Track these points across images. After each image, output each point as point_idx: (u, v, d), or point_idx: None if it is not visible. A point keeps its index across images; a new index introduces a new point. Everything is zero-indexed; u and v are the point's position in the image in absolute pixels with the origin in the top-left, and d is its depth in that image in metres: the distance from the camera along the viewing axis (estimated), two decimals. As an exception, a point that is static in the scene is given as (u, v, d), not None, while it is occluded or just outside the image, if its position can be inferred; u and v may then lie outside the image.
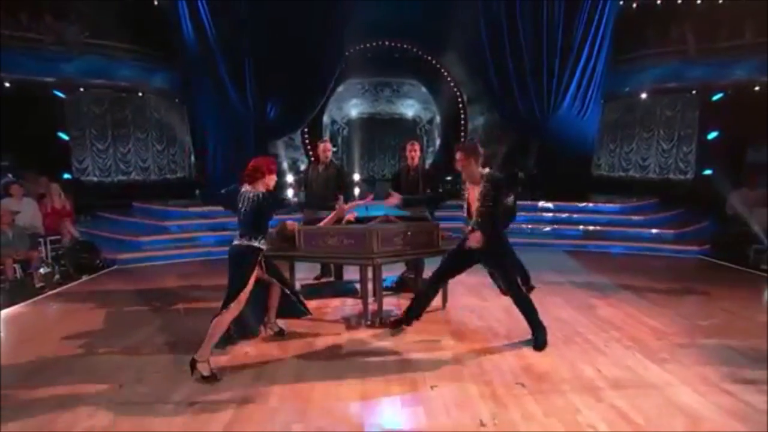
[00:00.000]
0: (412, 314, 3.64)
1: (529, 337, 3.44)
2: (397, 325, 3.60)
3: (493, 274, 3.60)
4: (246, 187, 3.13)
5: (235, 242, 3.10)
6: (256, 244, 3.06)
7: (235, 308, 2.97)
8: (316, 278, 5.19)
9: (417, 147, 4.73)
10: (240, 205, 3.09)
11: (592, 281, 5.36)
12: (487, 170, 3.35)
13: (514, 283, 3.39)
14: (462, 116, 11.60)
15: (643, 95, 9.85)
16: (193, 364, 2.89)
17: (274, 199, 3.20)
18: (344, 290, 4.78)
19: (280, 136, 10.41)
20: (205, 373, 2.87)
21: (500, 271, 3.38)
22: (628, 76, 9.60)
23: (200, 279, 5.55)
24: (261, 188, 3.11)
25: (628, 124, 10.37)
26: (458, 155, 3.33)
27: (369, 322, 3.84)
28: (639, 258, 6.66)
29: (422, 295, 3.61)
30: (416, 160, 4.68)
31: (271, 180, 3.17)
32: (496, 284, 3.67)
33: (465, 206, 3.44)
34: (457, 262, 3.54)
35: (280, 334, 3.63)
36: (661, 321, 3.89)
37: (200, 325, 3.78)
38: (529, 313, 3.40)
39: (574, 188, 8.53)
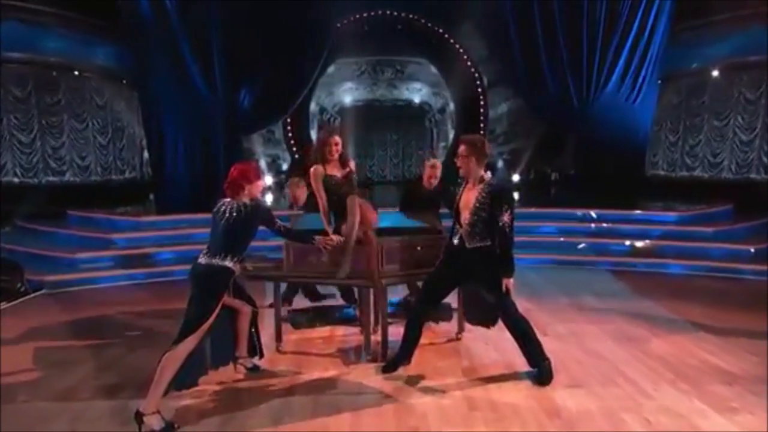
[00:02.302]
0: (408, 351, 3.77)
1: (559, 376, 3.54)
2: (393, 366, 3.73)
3: (469, 300, 3.80)
4: (227, 200, 3.27)
5: (202, 260, 3.17)
6: (228, 264, 3.15)
7: (192, 342, 3.04)
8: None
9: (437, 172, 4.76)
10: (219, 219, 3.21)
11: (642, 308, 5.40)
12: (489, 174, 3.56)
13: (513, 311, 3.56)
14: (481, 103, 11.75)
15: (715, 72, 9.84)
16: (139, 419, 2.87)
17: (263, 210, 3.32)
18: (338, 317, 4.85)
19: (257, 129, 10.54)
20: (157, 427, 2.88)
21: (497, 295, 3.54)
22: (694, 48, 9.59)
23: (154, 305, 5.64)
24: (245, 199, 3.25)
25: (694, 111, 10.39)
26: (461, 148, 3.55)
27: (370, 357, 3.96)
28: (705, 280, 6.69)
29: (411, 329, 3.75)
30: (433, 186, 4.77)
31: (256, 188, 3.30)
32: (469, 315, 3.88)
33: (454, 210, 3.62)
34: (445, 283, 3.73)
35: (255, 371, 3.72)
36: (729, 360, 3.93)
37: (152, 363, 3.85)
38: (531, 346, 3.55)
39: (622, 192, 8.60)
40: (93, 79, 10.30)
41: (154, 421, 2.90)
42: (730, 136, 10.01)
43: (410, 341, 3.74)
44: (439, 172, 4.80)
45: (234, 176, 3.24)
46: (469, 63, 11.78)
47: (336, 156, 3.94)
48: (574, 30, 8.59)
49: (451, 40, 11.70)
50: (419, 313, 3.79)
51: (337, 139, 3.95)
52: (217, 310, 3.13)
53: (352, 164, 4.12)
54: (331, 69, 12.44)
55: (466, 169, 3.55)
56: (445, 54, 12.03)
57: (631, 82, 8.82)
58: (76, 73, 10.01)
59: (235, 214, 3.19)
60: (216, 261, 3.13)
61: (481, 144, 3.58)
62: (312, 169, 3.94)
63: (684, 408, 3.20)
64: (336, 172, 3.96)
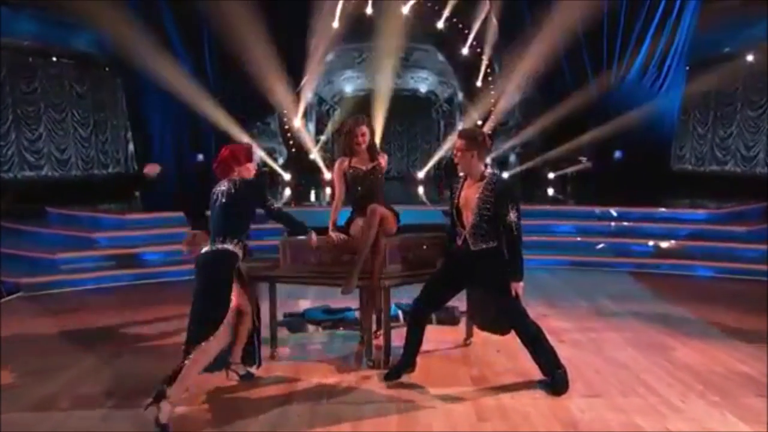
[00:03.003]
0: (410, 357, 3.79)
1: (577, 385, 3.54)
2: (395, 373, 3.76)
3: (474, 305, 3.86)
4: (219, 184, 3.38)
5: (204, 249, 3.28)
6: (230, 247, 3.22)
7: (223, 336, 3.12)
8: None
9: None
10: (214, 203, 3.32)
11: (666, 314, 5.40)
12: (489, 170, 3.61)
13: (523, 316, 3.58)
14: (492, 93, 11.73)
15: (750, 57, 9.70)
16: (159, 397, 2.94)
17: (255, 186, 3.40)
18: (339, 320, 4.91)
19: (252, 121, 10.52)
20: (163, 418, 2.93)
21: (506, 300, 3.56)
22: (726, 30, 9.47)
23: (140, 309, 5.66)
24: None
25: (726, 99, 10.35)
26: (459, 143, 3.57)
27: (371, 363, 4.00)
28: (736, 284, 6.68)
29: (411, 333, 3.79)
30: None
31: (246, 171, 3.39)
32: (479, 322, 3.98)
33: (453, 209, 3.64)
34: (447, 286, 3.75)
35: (248, 378, 3.75)
36: (763, 371, 3.92)
37: (139, 370, 3.89)
38: (543, 353, 3.57)
39: (645, 188, 8.58)
40: (72, 65, 10.31)
41: (166, 409, 2.94)
42: (766, 127, 9.93)
43: (411, 346, 3.77)
44: None
45: (224, 156, 3.35)
46: (479, 50, 11.76)
47: (363, 147, 4.02)
48: (593, 11, 8.54)
49: (460, 24, 11.69)
50: (419, 315, 3.81)
51: (364, 129, 4.02)
52: (232, 296, 3.19)
53: (384, 159, 4.17)
54: (330, 56, 12.43)
55: (466, 164, 3.58)
56: (453, 39, 12.01)
57: (656, 69, 8.79)
58: (54, 58, 10.03)
59: (226, 192, 3.28)
60: (217, 246, 3.21)
61: (482, 138, 3.61)
62: (337, 162, 4.10)
63: (713, 422, 3.19)
64: (362, 165, 4.03)
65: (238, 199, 3.29)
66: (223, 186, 3.35)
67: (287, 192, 11.91)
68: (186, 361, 3.07)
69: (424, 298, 3.81)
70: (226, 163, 3.33)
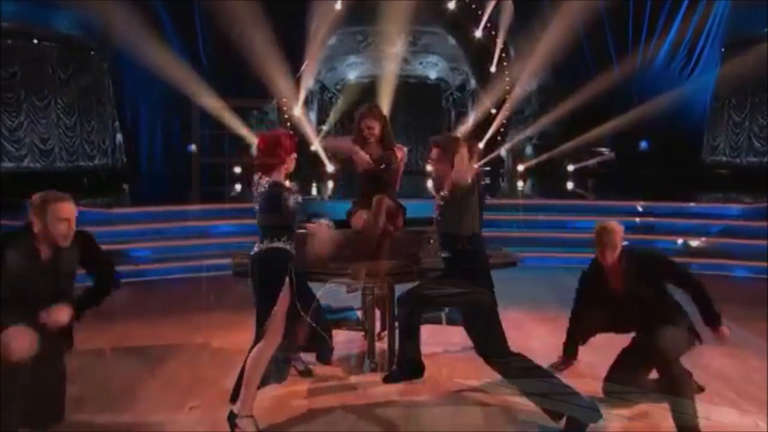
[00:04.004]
0: (410, 362, 3.70)
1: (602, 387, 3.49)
2: (396, 376, 3.72)
3: None
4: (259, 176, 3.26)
5: (255, 248, 3.21)
6: (280, 245, 3.12)
7: (272, 339, 3.07)
8: None
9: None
10: (255, 198, 3.25)
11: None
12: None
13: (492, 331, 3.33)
14: (507, 80, 11.70)
15: (793, 37, 9.67)
16: (232, 420, 3.02)
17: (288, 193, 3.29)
18: (340, 320, 4.86)
19: (248, 108, 10.58)
20: (249, 430, 2.99)
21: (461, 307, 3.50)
22: (766, 8, 9.31)
23: (125, 309, 5.60)
24: (277, 177, 3.19)
25: (765, 84, 10.18)
26: (434, 153, 3.43)
27: (374, 366, 4.03)
28: (774, 285, 6.64)
29: (406, 336, 3.68)
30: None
31: (293, 160, 3.27)
32: None
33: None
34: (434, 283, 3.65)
35: (307, 374, 3.92)
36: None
37: (122, 374, 3.96)
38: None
39: (675, 181, 8.57)
40: (55, 48, 10.33)
41: (247, 425, 3.00)
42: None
43: (409, 350, 3.65)
44: None
45: (270, 145, 3.18)
46: (493, 32, 11.73)
47: (372, 140, 4.02)
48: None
49: (472, 5, 11.67)
50: (406, 314, 3.67)
51: (370, 122, 4.00)
52: (281, 296, 3.08)
53: (402, 152, 4.14)
54: (332, 40, 12.45)
55: (444, 175, 3.47)
56: (465, 21, 11.99)
57: (686, 52, 8.80)
58: (35, 41, 10.05)
59: (267, 192, 3.15)
60: (266, 245, 3.13)
61: (456, 143, 3.50)
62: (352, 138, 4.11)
63: (747, 432, 3.16)
64: (374, 154, 4.03)
65: (284, 197, 3.15)
66: (265, 182, 3.18)
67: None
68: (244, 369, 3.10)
69: (407, 296, 3.67)
70: (274, 153, 3.15)
